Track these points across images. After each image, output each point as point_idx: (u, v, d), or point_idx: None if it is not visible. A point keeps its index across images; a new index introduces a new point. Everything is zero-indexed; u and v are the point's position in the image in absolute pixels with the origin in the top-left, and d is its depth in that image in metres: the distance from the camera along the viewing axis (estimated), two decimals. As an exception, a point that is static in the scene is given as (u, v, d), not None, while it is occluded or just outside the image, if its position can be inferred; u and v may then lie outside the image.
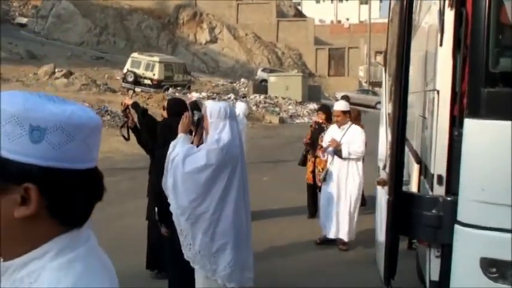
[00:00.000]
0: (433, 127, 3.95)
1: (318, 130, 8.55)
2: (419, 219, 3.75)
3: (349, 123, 7.67)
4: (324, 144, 7.70)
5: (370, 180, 6.74)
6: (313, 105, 35.90)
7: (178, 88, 31.41)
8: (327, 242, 7.60)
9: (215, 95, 31.77)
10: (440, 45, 3.84)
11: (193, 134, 4.38)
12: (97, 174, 1.14)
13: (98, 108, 21.73)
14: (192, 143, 4.26)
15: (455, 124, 3.60)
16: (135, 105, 6.15)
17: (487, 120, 3.19)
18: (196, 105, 6.82)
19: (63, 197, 1.07)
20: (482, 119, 3.20)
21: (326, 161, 7.81)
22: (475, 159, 3.26)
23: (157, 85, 30.67)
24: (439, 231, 3.70)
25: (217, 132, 4.02)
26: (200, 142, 4.30)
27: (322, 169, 7.88)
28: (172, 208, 4.17)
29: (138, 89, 30.22)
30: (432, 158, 3.89)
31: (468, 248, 3.31)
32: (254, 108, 30.29)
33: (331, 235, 7.48)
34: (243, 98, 33.04)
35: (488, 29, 3.21)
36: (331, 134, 7.68)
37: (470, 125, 3.26)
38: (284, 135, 23.26)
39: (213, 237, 4.07)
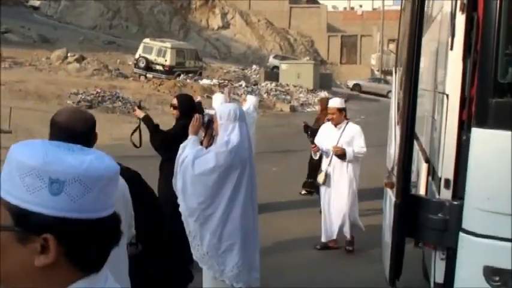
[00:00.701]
0: (442, 130, 3.95)
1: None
2: (425, 222, 3.77)
3: (346, 121, 7.29)
4: (318, 143, 7.30)
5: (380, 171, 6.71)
6: (324, 94, 35.82)
7: (190, 74, 31.43)
8: (327, 248, 7.37)
9: (226, 81, 31.76)
10: (451, 48, 3.83)
11: (203, 135, 4.42)
12: (114, 219, 1.17)
13: (110, 95, 21.78)
14: (201, 144, 4.31)
15: (464, 128, 3.61)
16: (146, 118, 5.78)
17: (495, 130, 3.20)
18: (200, 107, 6.73)
19: (81, 245, 1.10)
20: (489, 128, 3.21)
21: (320, 161, 7.52)
22: (481, 168, 3.28)
23: (169, 71, 30.71)
24: (445, 235, 3.72)
25: (227, 134, 4.06)
26: (210, 144, 4.34)
27: (321, 171, 7.40)
28: (181, 209, 4.22)
29: (149, 75, 30.32)
30: (440, 161, 3.91)
31: (472, 256, 3.33)
32: (265, 96, 30.26)
33: (334, 236, 7.26)
34: (254, 85, 33.03)
35: (498, 38, 3.20)
36: (327, 133, 7.34)
37: (478, 134, 3.27)
38: (295, 124, 23.19)
39: (221, 238, 4.12)
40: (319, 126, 9.98)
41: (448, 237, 3.72)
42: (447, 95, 3.86)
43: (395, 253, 3.85)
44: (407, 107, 3.77)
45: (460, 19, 3.61)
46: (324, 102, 10.81)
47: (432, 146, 4.52)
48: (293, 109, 29.46)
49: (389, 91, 42.81)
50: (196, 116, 4.33)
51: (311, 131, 9.97)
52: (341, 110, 7.25)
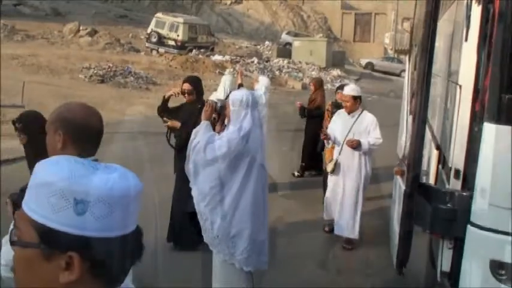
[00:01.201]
0: (454, 120, 3.97)
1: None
2: (434, 211, 3.82)
3: (360, 109, 6.95)
4: (331, 131, 7.05)
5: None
6: (336, 72, 35.62)
7: (202, 50, 31.34)
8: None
9: (238, 58, 31.65)
10: (466, 40, 3.83)
11: (216, 121, 4.46)
12: (137, 233, 1.21)
13: (122, 70, 21.80)
14: (214, 130, 4.35)
15: (476, 120, 3.62)
16: (173, 127, 6.12)
17: (507, 126, 3.21)
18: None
19: (105, 261, 1.14)
20: (501, 124, 3.23)
21: (332, 150, 7.26)
22: (491, 163, 3.30)
23: (181, 46, 30.64)
24: (453, 225, 3.76)
25: (239, 121, 4.10)
26: (222, 130, 4.38)
27: (331, 159, 7.11)
28: (193, 193, 4.28)
29: (161, 50, 30.27)
30: (451, 151, 3.93)
31: (479, 249, 3.38)
32: (277, 73, 30.16)
33: (335, 231, 6.96)
34: (266, 62, 32.88)
35: (513, 33, 3.20)
36: (340, 121, 7.04)
37: (490, 130, 3.28)
38: (306, 101, 23.14)
39: (231, 222, 4.18)
40: (315, 107, 9.94)
41: (456, 227, 3.77)
42: (460, 86, 3.87)
43: (403, 241, 3.90)
44: (421, 96, 3.78)
45: (476, 11, 3.60)
46: (316, 83, 10.68)
47: (443, 134, 4.54)
48: (305, 87, 29.33)
49: (403, 70, 42.50)
50: (209, 101, 4.37)
51: (307, 112, 9.92)
52: (356, 98, 6.91)
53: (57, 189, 1.10)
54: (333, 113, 7.85)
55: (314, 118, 9.67)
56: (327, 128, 7.51)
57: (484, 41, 3.49)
